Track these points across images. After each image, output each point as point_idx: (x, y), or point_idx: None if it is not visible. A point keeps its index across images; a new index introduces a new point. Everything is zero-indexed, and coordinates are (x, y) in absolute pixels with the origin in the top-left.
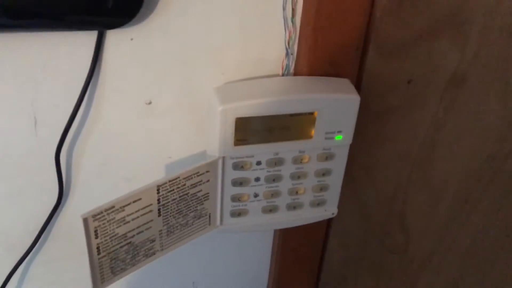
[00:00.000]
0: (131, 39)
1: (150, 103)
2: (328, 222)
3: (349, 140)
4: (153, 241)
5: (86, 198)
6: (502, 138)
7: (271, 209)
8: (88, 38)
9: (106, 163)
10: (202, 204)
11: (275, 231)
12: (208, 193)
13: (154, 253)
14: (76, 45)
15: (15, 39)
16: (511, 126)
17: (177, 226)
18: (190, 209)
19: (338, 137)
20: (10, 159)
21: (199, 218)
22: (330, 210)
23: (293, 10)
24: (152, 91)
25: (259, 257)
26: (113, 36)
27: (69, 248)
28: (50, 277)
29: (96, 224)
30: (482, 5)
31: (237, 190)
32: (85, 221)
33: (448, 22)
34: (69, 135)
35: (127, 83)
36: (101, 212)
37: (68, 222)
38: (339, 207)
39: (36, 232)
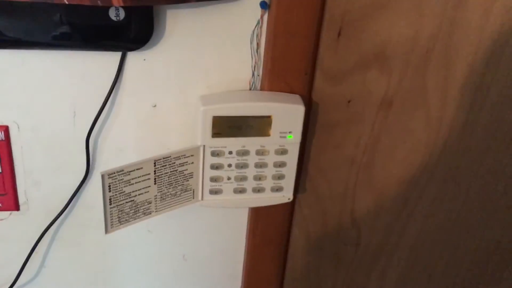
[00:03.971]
0: (144, 59)
1: (155, 106)
2: (291, 211)
3: (298, 139)
4: (150, 203)
5: None
6: (428, 150)
7: (241, 190)
8: (114, 57)
9: (122, 148)
10: (188, 180)
11: (249, 215)
12: (192, 172)
13: (150, 213)
14: (106, 61)
15: (65, 56)
16: (433, 142)
17: (168, 195)
18: (178, 183)
19: (290, 136)
20: (55, 142)
21: (185, 192)
22: (286, 196)
23: (258, 44)
24: (157, 97)
25: (237, 237)
26: (132, 57)
27: (90, 215)
28: (75, 238)
29: (110, 181)
30: (400, 46)
31: (214, 172)
32: (103, 177)
33: (375, 57)
34: (96, 126)
35: (139, 91)
36: (114, 173)
37: (91, 193)
38: (300, 199)
39: (66, 200)
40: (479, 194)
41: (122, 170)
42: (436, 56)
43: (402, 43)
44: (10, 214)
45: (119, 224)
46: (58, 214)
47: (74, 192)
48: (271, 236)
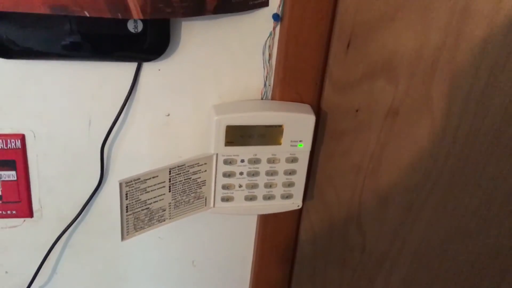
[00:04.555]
0: (159, 70)
1: (168, 115)
2: (299, 218)
3: (308, 148)
4: (164, 210)
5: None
6: (433, 158)
7: (251, 198)
8: (130, 68)
9: (134, 158)
10: (201, 188)
11: (257, 221)
12: (205, 180)
13: (164, 220)
14: (122, 71)
15: (83, 66)
16: (437, 149)
17: (182, 202)
18: (192, 190)
19: (300, 145)
20: (70, 150)
21: (198, 199)
22: (296, 203)
23: (270, 54)
24: (171, 107)
25: (246, 242)
26: (147, 67)
27: (103, 222)
28: (87, 245)
29: (127, 189)
30: (406, 57)
31: (226, 180)
32: (121, 185)
33: (382, 67)
34: (111, 134)
35: (154, 100)
36: (131, 181)
37: (104, 201)
38: (307, 206)
39: (80, 207)
40: (481, 202)
41: (139, 179)
42: (441, 67)
43: (408, 54)
44: (24, 221)
45: (134, 231)
46: (71, 222)
47: (88, 200)
48: (279, 242)
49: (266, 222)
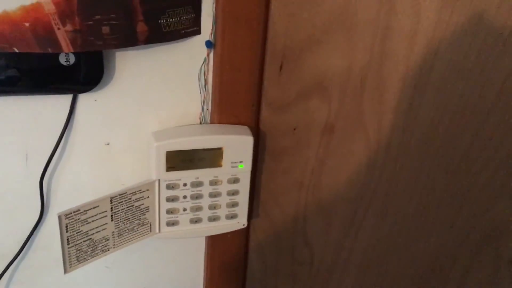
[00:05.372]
0: (95, 100)
1: (108, 144)
2: (246, 237)
3: (249, 168)
4: (108, 239)
5: None
6: (369, 169)
7: (197, 220)
8: (65, 100)
9: (76, 189)
10: (144, 214)
11: (206, 243)
12: (148, 206)
13: (108, 249)
14: (57, 104)
15: (16, 100)
16: (373, 162)
17: (125, 230)
18: (135, 218)
19: (241, 166)
20: (8, 185)
21: (142, 226)
22: (241, 222)
23: (205, 80)
24: (110, 136)
25: (196, 265)
26: (83, 98)
27: (47, 256)
28: (32, 281)
29: (67, 221)
30: (337, 76)
31: (170, 205)
32: (60, 218)
33: (315, 87)
34: (50, 167)
35: (92, 130)
36: (71, 213)
37: (46, 234)
38: (254, 224)
39: (21, 243)
40: (418, 208)
41: (79, 210)
42: (370, 84)
43: (338, 74)
44: None
45: (77, 263)
46: (13, 258)
47: (29, 235)
48: (228, 262)
49: (214, 243)
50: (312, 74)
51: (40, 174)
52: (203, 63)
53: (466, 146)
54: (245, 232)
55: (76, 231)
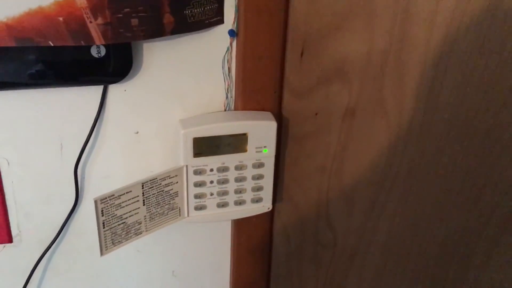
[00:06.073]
0: (125, 90)
1: (137, 132)
2: (271, 220)
3: (273, 153)
4: (140, 223)
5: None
6: (391, 153)
7: (223, 204)
8: (97, 91)
9: (108, 176)
10: (174, 199)
11: (232, 227)
12: (177, 191)
13: (141, 233)
14: (89, 95)
15: (51, 93)
16: (394, 145)
17: (156, 214)
18: (165, 202)
19: (265, 150)
20: (44, 174)
21: (172, 210)
22: (266, 205)
23: (229, 68)
24: (139, 124)
25: (222, 248)
26: (113, 89)
27: (81, 242)
28: (68, 265)
29: (103, 206)
30: (357, 61)
31: (198, 190)
32: (96, 202)
33: (335, 72)
34: (83, 156)
35: (122, 119)
36: (106, 198)
37: (81, 220)
38: (278, 208)
39: (58, 229)
40: (440, 189)
41: (113, 195)
42: (390, 68)
43: (358, 59)
44: (4, 246)
45: (112, 246)
46: (50, 243)
47: (65, 221)
48: (254, 245)
49: (240, 227)
50: (332, 59)
51: (74, 163)
52: (226, 51)
53: (488, 126)
54: (269, 216)
55: (111, 215)
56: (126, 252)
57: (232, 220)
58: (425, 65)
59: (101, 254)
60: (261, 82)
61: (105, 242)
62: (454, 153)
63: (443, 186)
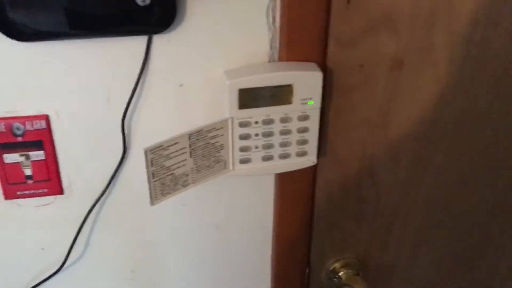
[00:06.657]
0: (168, 41)
1: (181, 85)
2: (314, 175)
3: (318, 105)
4: (187, 175)
5: (141, 155)
6: (439, 105)
7: (268, 158)
8: (142, 41)
9: (154, 128)
10: (219, 152)
11: (275, 182)
12: (223, 144)
13: (188, 184)
14: (134, 45)
15: (96, 43)
16: (443, 97)
17: (203, 166)
18: (211, 155)
19: (310, 102)
20: (92, 126)
21: (218, 163)
22: (311, 159)
23: (273, 17)
24: (183, 76)
25: (266, 203)
26: (157, 40)
27: (130, 193)
28: (117, 216)
29: (152, 156)
30: (406, 9)
31: (243, 142)
32: (146, 152)
33: (383, 21)
34: (130, 108)
35: (166, 71)
36: (154, 148)
37: (129, 172)
38: (321, 162)
39: (107, 180)
40: (488, 145)
41: (161, 146)
42: (440, 15)
43: (407, 6)
44: (55, 198)
45: (162, 196)
46: (100, 195)
47: (114, 173)
48: (297, 200)
49: (284, 182)
50: (380, 7)
51: (121, 115)
52: (270, 0)
53: None
54: (313, 171)
55: (160, 166)
56: (173, 206)
57: (275, 174)
58: (478, 13)
59: (152, 204)
60: (306, 31)
61: (155, 192)
62: (506, 103)
63: (491, 142)
